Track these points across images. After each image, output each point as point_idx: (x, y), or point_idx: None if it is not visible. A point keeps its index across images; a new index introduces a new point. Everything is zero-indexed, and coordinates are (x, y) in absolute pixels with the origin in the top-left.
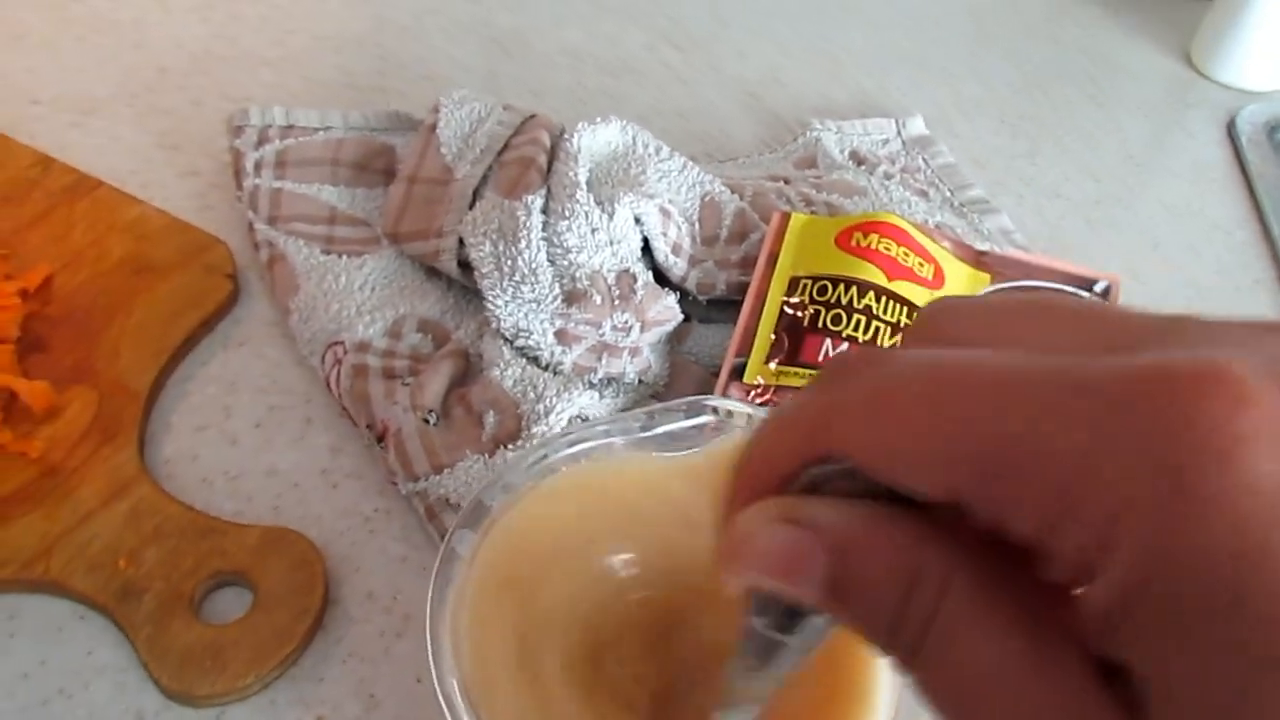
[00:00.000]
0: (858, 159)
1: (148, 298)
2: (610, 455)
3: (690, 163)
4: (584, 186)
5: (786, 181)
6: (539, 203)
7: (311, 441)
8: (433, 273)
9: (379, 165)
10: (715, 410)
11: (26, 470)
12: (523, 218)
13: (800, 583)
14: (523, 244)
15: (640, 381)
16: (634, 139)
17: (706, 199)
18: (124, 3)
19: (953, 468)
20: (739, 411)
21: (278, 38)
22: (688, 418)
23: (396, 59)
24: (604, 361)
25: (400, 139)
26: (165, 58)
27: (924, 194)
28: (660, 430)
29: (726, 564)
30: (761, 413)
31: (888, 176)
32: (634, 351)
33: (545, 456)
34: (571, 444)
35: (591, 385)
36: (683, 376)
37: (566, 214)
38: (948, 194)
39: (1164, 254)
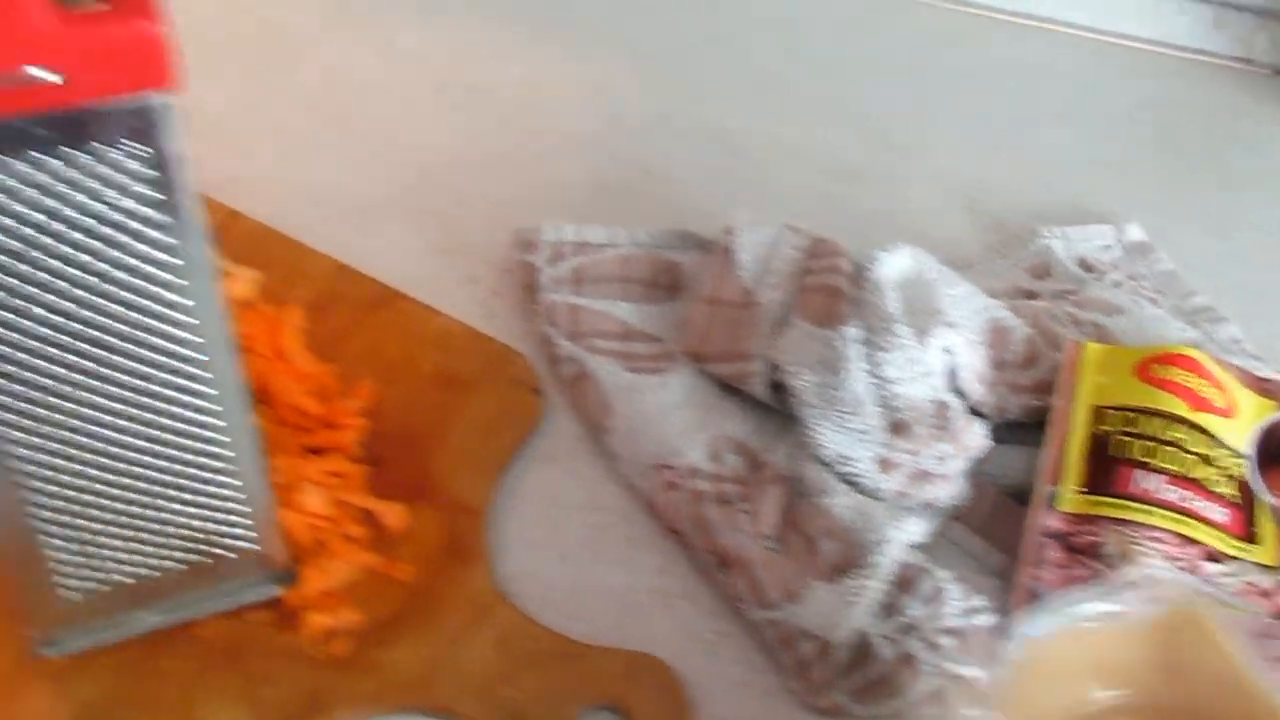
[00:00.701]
0: (1086, 266)
1: (465, 414)
2: (1084, 626)
3: (976, 290)
4: (901, 319)
5: (1031, 295)
6: (855, 334)
7: (638, 561)
8: (728, 391)
9: (664, 281)
10: (1154, 581)
11: (396, 593)
12: (841, 348)
13: None
14: (843, 375)
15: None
16: (922, 265)
17: (994, 324)
18: (373, 101)
19: None
20: (1173, 581)
21: (518, 139)
22: (1137, 588)
23: (634, 159)
24: (921, 488)
25: (682, 256)
26: (420, 157)
27: (1154, 302)
28: (1112, 604)
29: None
30: (1185, 579)
31: (1116, 284)
32: (948, 478)
33: (1032, 622)
34: (1047, 613)
35: (910, 510)
36: (982, 497)
37: (885, 346)
38: (1176, 302)
39: None
